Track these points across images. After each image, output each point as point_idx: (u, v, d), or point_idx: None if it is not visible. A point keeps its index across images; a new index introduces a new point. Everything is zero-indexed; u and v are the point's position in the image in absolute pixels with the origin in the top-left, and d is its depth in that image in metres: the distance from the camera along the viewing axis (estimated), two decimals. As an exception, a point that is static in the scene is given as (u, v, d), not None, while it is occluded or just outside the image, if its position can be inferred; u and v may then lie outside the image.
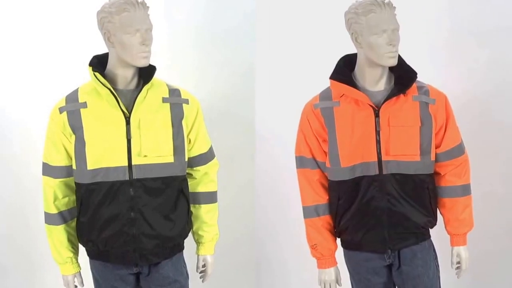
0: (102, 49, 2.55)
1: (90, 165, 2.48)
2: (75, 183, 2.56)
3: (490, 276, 3.38)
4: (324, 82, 2.66)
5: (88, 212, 2.52)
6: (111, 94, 2.46)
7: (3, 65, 3.57)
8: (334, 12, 2.89)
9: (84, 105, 2.50)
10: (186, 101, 2.57)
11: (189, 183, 2.64)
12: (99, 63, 2.52)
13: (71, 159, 2.55)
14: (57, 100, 2.57)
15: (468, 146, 2.68)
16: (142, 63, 2.45)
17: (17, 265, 3.67)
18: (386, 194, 2.55)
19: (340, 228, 2.66)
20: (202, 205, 2.68)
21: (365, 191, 2.56)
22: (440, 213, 2.67)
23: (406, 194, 2.56)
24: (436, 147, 2.60)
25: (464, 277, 2.73)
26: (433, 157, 2.59)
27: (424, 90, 2.58)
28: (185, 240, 2.65)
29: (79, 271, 2.67)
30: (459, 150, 2.63)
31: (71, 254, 2.63)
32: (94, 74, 2.47)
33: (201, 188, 2.68)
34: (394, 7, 2.50)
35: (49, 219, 2.61)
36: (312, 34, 3.59)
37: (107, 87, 2.45)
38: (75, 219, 2.60)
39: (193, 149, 2.63)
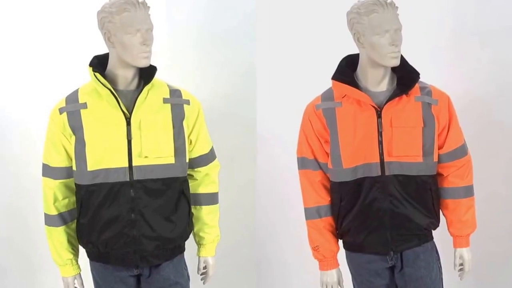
0: (102, 49, 2.53)
1: (90, 166, 2.46)
2: (75, 184, 2.55)
3: (493, 277, 3.37)
4: (325, 82, 2.65)
5: (88, 214, 2.51)
6: (111, 95, 2.45)
7: (3, 65, 3.56)
8: (335, 11, 2.89)
9: (84, 105, 2.49)
10: (187, 102, 2.56)
11: (190, 184, 2.63)
12: (99, 64, 2.51)
13: (71, 160, 2.53)
14: (57, 101, 2.56)
15: (471, 147, 2.67)
16: (143, 63, 2.44)
17: (16, 267, 3.65)
18: (389, 195, 2.53)
19: (342, 229, 2.65)
20: (203, 207, 2.67)
21: (367, 193, 2.55)
22: (443, 214, 2.66)
23: (408, 196, 2.54)
24: (439, 148, 2.59)
25: (467, 279, 2.72)
26: (435, 158, 2.58)
27: (426, 91, 2.57)
28: (186, 242, 2.64)
29: (79, 273, 2.65)
30: (462, 151, 2.61)
31: (71, 256, 2.62)
32: (94, 74, 2.46)
33: (202, 190, 2.67)
34: (397, 7, 2.49)
35: (49, 220, 2.60)
36: (313, 34, 3.59)
37: (107, 88, 2.44)
38: (75, 220, 2.59)
39: (194, 150, 2.62)
